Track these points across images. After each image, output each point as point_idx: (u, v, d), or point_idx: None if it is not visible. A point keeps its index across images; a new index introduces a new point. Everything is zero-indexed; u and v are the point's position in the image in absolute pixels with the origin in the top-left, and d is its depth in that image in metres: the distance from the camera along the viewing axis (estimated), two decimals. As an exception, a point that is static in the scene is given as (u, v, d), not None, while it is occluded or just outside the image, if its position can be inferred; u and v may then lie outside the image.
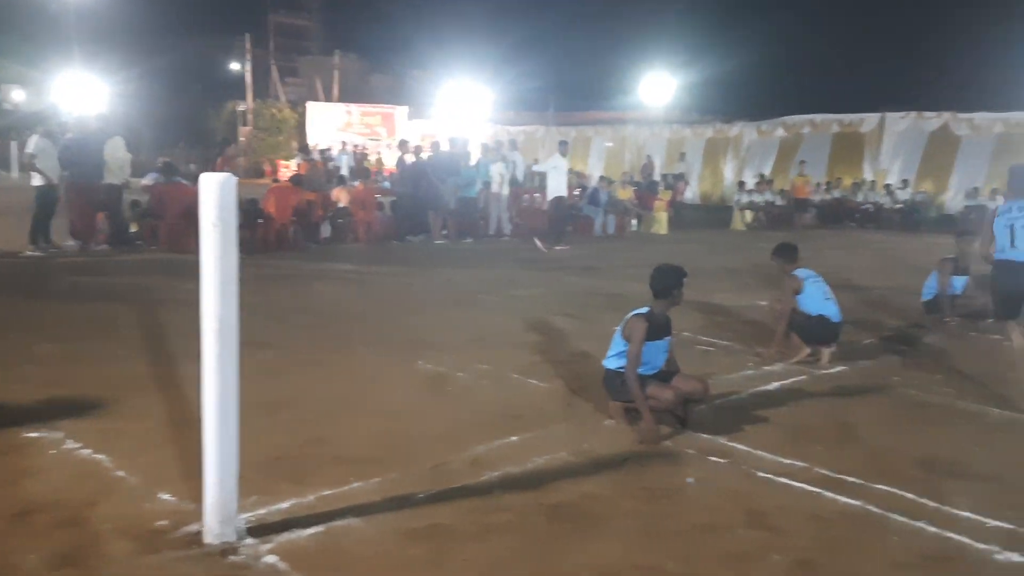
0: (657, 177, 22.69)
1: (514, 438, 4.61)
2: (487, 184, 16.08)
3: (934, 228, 19.05)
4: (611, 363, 4.90)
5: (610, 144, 29.06)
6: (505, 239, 16.07)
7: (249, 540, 3.31)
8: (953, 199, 21.91)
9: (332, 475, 4.00)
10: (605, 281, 10.47)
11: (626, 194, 18.80)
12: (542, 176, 19.13)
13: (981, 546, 3.50)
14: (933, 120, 22.48)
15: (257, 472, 3.87)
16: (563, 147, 15.34)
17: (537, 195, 17.82)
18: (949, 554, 3.46)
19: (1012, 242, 5.73)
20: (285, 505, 3.66)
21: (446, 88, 26.73)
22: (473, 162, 16.58)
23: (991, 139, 21.62)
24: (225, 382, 3.21)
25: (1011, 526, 3.68)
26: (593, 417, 5.04)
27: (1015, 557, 3.41)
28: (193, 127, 30.64)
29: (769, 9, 36.80)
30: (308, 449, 4.39)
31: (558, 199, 14.61)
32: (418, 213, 15.35)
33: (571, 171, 24.28)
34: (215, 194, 3.14)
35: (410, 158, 16.72)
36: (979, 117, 21.77)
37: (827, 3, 37.60)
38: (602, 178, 18.92)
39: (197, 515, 3.35)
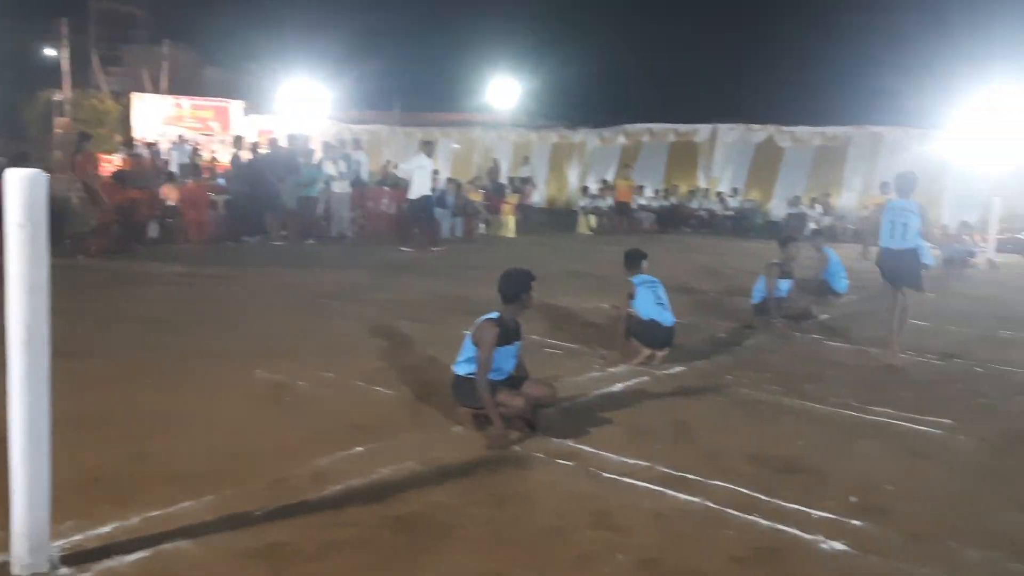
0: (504, 180, 22.92)
1: (358, 449, 4.46)
2: (329, 183, 15.65)
3: (761, 234, 20.30)
4: (461, 369, 4.83)
5: (457, 146, 29.10)
6: (348, 241, 15.69)
7: (64, 570, 3.02)
8: (777, 207, 23.47)
9: (159, 494, 3.70)
10: (452, 285, 10.41)
11: (476, 197, 18.85)
12: (396, 177, 18.84)
13: (808, 536, 3.69)
14: (759, 132, 24.00)
15: (74, 494, 3.54)
16: (428, 147, 15.08)
17: (384, 199, 17.53)
18: (780, 545, 3.62)
19: (891, 234, 7.21)
20: (106, 529, 3.35)
21: (286, 84, 25.77)
22: (314, 160, 16.09)
23: (811, 151, 23.36)
24: (34, 395, 2.94)
25: (833, 516, 3.90)
26: (441, 424, 4.95)
27: (838, 546, 3.62)
28: (2, 117, 27.98)
29: (613, 21, 38.20)
30: (132, 466, 4.05)
31: (425, 198, 14.45)
32: (255, 213, 14.71)
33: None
34: (21, 192, 2.88)
35: (246, 155, 16.01)
36: (800, 130, 23.46)
37: (667, 19, 39.45)
38: (450, 180, 18.85)
39: (4, 544, 3.03)
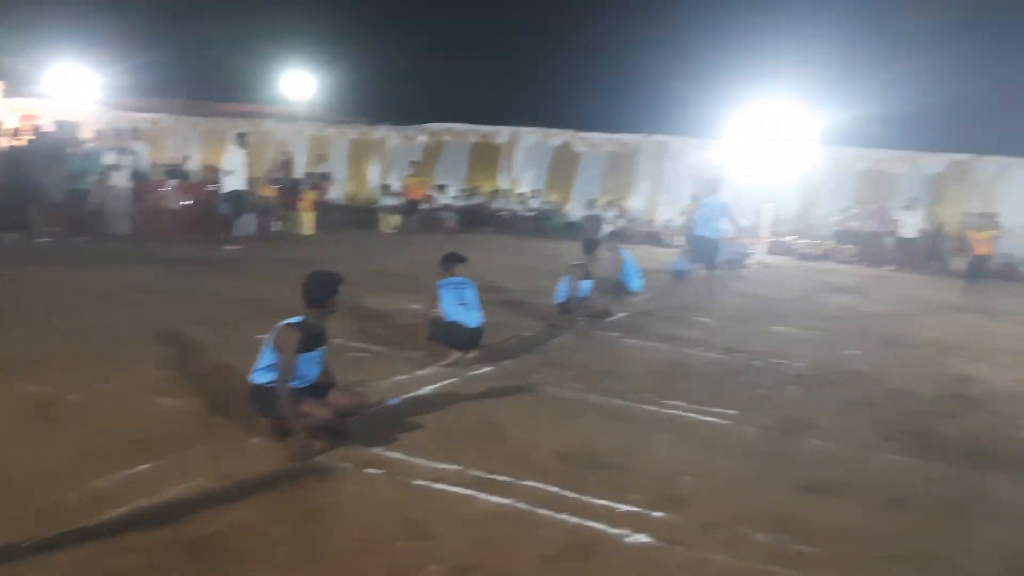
0: (300, 175, 22.12)
1: (143, 467, 4.06)
2: (104, 176, 14.31)
3: (560, 235, 20.98)
4: (259, 377, 4.52)
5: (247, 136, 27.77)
6: (126, 238, 14.41)
7: None
8: (575, 209, 24.41)
9: None
10: (246, 286, 9.77)
11: (269, 192, 18.00)
12: (172, 170, 17.59)
13: (614, 531, 3.79)
14: (557, 136, 24.85)
15: None
16: (242, 139, 14.46)
17: (170, 192, 16.31)
18: (588, 542, 3.69)
19: (703, 223, 9.86)
20: None
21: (54, 65, 23.37)
22: (86, 149, 14.68)
23: (604, 156, 24.50)
24: None
25: (638, 509, 4.03)
26: (237, 437, 4.62)
27: (642, 538, 3.74)
28: None
29: (416, 20, 38.04)
30: None
31: (237, 193, 13.89)
32: (16, 207, 13.15)
33: (205, 166, 22.73)
34: None
35: (5, 142, 14.32)
36: (594, 136, 24.54)
37: (470, 22, 39.87)
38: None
39: None
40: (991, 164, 21.10)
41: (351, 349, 6.80)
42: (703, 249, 10.09)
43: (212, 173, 19.59)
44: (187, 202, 16.16)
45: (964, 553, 3.83)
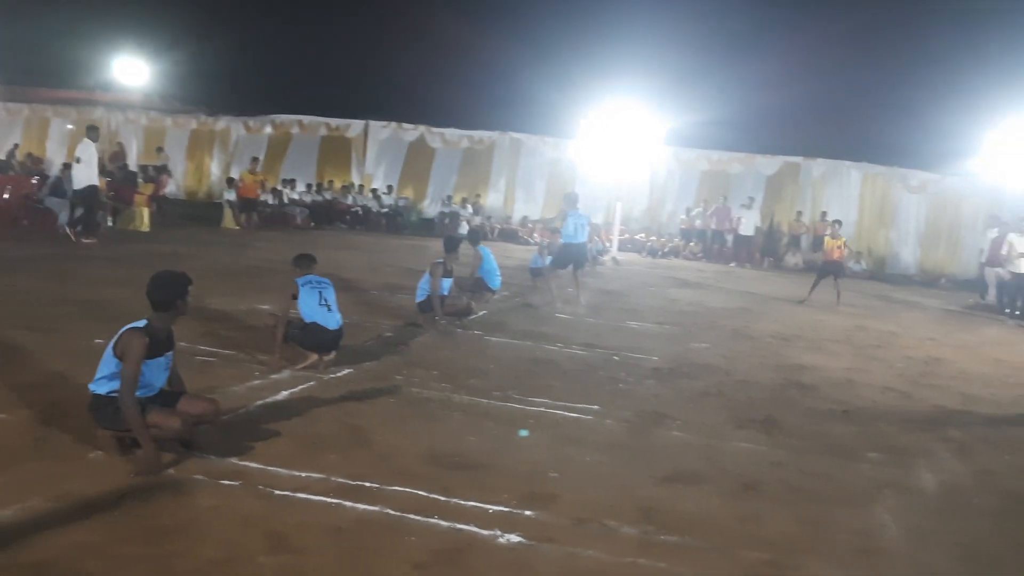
0: (134, 167, 20.79)
1: (-35, 490, 3.64)
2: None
3: (416, 231, 20.82)
4: (100, 387, 4.16)
5: (72, 127, 25.87)
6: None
7: None
8: (431, 205, 24.27)
9: None
10: (77, 286, 8.97)
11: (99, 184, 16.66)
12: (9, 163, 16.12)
13: (486, 533, 3.75)
14: (411, 132, 24.60)
15: None
16: (93, 132, 13.77)
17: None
18: (460, 545, 3.63)
19: (575, 234, 10.95)
20: None
21: None
22: None
23: (459, 152, 24.48)
24: None
25: (508, 509, 4.01)
26: (76, 451, 4.24)
27: (514, 538, 3.71)
28: None
29: (259, 4, 36.51)
30: None
31: (92, 187, 13.27)
32: None
33: (28, 155, 20.92)
34: None
35: None
36: (449, 132, 24.46)
37: (315, 9, 38.66)
38: (66, 166, 16.44)
39: None
40: (820, 166, 22.73)
41: (199, 353, 6.42)
42: (573, 254, 11.05)
43: (36, 164, 18.05)
44: (5, 195, 14.82)
45: (814, 534, 4.05)
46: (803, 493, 4.60)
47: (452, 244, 8.41)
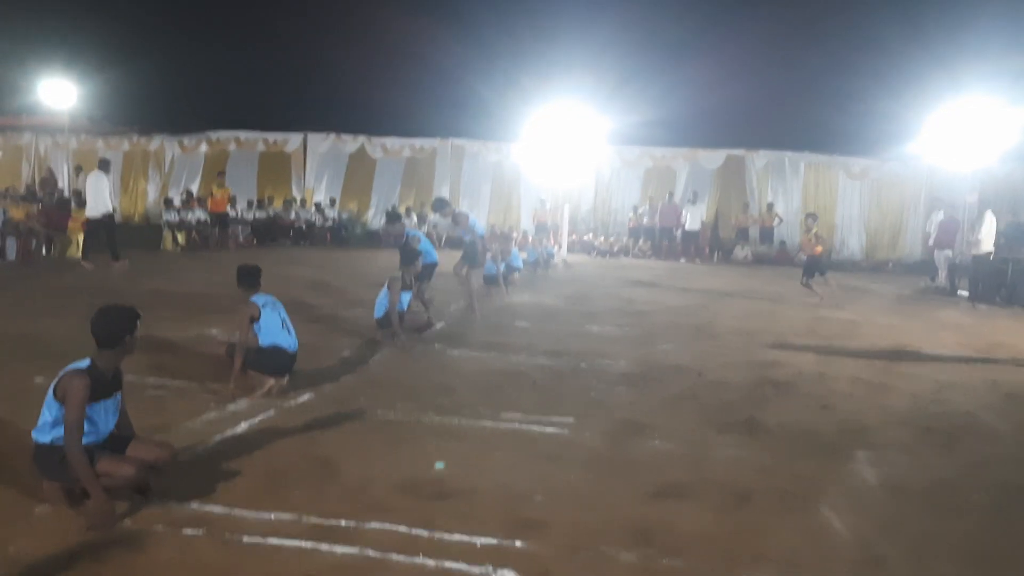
0: (66, 193, 19.92)
1: None
2: None
3: (362, 244, 20.34)
4: (43, 434, 3.79)
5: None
6: None
7: None
8: (374, 217, 23.81)
9: None
10: (9, 320, 8.42)
11: (19, 213, 15.78)
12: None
13: (477, 569, 3.49)
14: (351, 143, 24.13)
15: None
16: (105, 165, 14.41)
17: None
18: (451, 585, 3.36)
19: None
20: None
21: None
22: None
23: (401, 161, 24.09)
24: None
25: (495, 540, 3.75)
26: (19, 507, 3.86)
27: (508, 574, 3.46)
28: None
29: (188, 21, 35.50)
30: None
31: (108, 215, 13.96)
32: None
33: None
34: None
35: None
36: (390, 141, 24.06)
37: (245, 22, 37.77)
38: (-2, 195, 15.71)
39: None
40: (763, 157, 22.98)
41: (147, 386, 6.02)
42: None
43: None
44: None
45: (816, 546, 3.88)
46: (796, 500, 4.43)
47: (409, 257, 8.10)
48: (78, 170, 22.56)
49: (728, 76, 25.65)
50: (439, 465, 4.73)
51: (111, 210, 14.19)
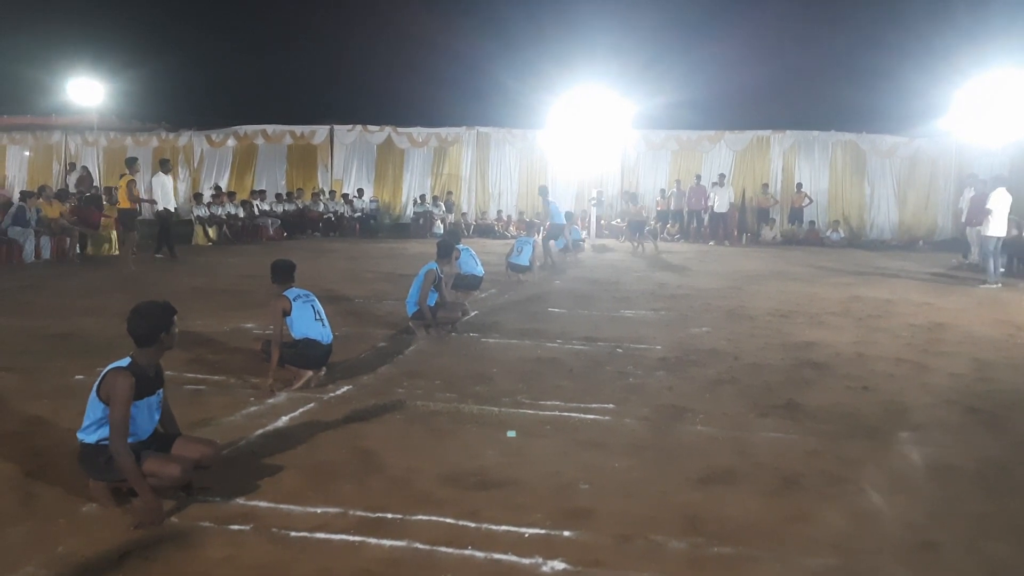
0: (100, 191, 20.15)
1: (-52, 565, 3.28)
2: None
3: (392, 234, 20.37)
4: (89, 435, 3.80)
5: (29, 153, 25.25)
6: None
7: None
8: (404, 207, 23.86)
9: None
10: (48, 319, 8.47)
11: (53, 212, 15.98)
12: None
13: (527, 561, 3.44)
14: (378, 133, 24.16)
15: None
16: (165, 165, 16.03)
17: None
18: (502, 577, 3.33)
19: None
20: None
21: None
22: None
23: (428, 151, 24.08)
24: None
25: (544, 531, 3.71)
26: (66, 507, 3.87)
27: (558, 565, 3.41)
28: None
29: (213, 17, 35.73)
30: None
31: (167, 211, 15.43)
32: None
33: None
34: None
35: None
36: (416, 131, 24.05)
37: (271, 18, 37.95)
38: (26, 195, 15.82)
39: None
40: (789, 138, 22.66)
41: (187, 382, 6.06)
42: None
43: (-1, 196, 17.42)
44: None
45: (870, 530, 3.81)
46: (846, 484, 4.35)
47: (446, 250, 8.02)
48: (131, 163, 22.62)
49: (753, 56, 25.30)
50: (511, 433, 4.89)
51: (173, 208, 15.65)
